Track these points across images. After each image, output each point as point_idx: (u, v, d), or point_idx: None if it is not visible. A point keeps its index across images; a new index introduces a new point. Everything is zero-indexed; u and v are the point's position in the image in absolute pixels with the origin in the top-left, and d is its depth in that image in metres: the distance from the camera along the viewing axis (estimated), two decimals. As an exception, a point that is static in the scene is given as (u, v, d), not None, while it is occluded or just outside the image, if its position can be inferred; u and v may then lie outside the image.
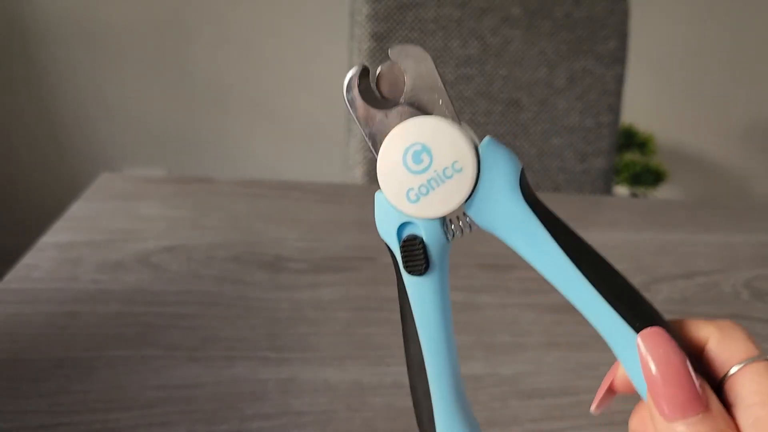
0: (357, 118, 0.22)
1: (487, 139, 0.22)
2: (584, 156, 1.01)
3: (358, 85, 0.22)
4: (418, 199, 0.22)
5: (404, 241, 0.22)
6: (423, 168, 0.21)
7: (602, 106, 1.00)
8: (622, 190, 1.70)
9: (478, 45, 0.95)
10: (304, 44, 1.55)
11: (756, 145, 1.89)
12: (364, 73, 0.22)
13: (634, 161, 1.62)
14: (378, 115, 0.22)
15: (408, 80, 0.22)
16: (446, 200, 0.21)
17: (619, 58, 0.99)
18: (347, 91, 0.22)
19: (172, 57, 1.55)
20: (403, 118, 0.22)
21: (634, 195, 1.64)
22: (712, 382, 0.21)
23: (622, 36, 0.98)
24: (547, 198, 0.24)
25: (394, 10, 0.91)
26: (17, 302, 0.48)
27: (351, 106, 0.22)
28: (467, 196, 0.21)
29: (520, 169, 0.22)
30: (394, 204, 0.22)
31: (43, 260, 0.54)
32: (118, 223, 0.62)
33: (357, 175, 0.95)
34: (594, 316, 0.22)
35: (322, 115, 1.60)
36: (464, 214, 0.22)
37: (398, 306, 0.24)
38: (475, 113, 0.97)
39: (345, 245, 0.62)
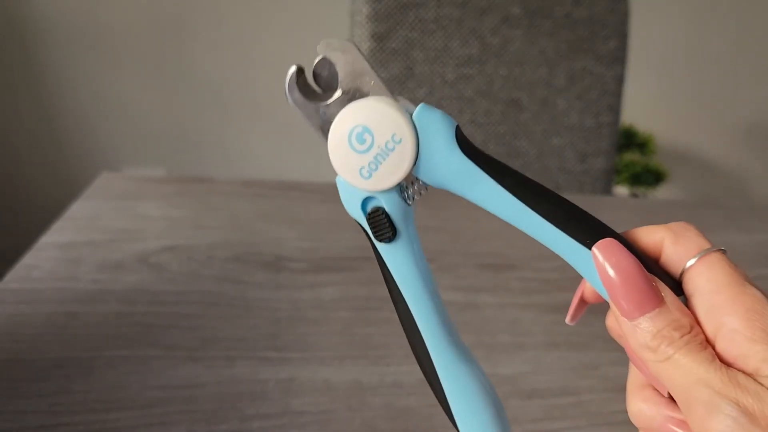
0: (303, 115, 0.24)
1: (420, 106, 0.24)
2: (584, 156, 1.01)
3: (298, 85, 0.24)
4: (370, 175, 0.24)
5: (369, 214, 0.24)
6: (367, 147, 0.23)
7: (602, 106, 1.00)
8: (622, 190, 1.70)
9: (478, 45, 0.95)
10: (304, 44, 1.55)
11: (756, 145, 1.89)
12: (300, 72, 0.24)
13: (634, 161, 1.62)
14: (320, 108, 0.24)
15: (340, 70, 0.24)
16: (395, 170, 0.24)
17: (619, 58, 0.99)
18: (289, 93, 0.24)
19: (171, 57, 1.55)
20: (342, 105, 0.24)
21: (634, 195, 1.64)
22: (672, 279, 0.22)
23: (622, 36, 0.98)
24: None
25: (394, 10, 0.91)
26: (17, 302, 0.48)
27: (296, 106, 0.24)
28: (412, 162, 0.23)
29: (455, 127, 0.24)
30: (352, 184, 0.24)
31: (43, 260, 0.54)
32: (118, 222, 0.62)
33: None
34: (551, 243, 0.24)
35: (322, 115, 1.60)
36: (416, 178, 0.24)
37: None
38: (475, 113, 0.97)
39: (345, 245, 0.62)
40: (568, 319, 0.26)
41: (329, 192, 0.75)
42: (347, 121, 0.23)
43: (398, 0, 0.91)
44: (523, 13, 0.95)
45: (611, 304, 0.22)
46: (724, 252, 0.22)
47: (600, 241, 0.22)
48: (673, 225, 0.23)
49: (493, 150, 0.99)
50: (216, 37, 1.55)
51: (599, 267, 0.22)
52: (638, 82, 1.32)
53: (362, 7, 0.91)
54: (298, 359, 0.45)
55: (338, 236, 0.64)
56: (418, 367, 0.26)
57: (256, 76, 1.59)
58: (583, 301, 0.26)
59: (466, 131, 0.96)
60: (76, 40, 1.49)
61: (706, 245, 0.22)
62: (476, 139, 0.98)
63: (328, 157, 0.24)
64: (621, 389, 0.45)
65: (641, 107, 1.60)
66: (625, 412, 0.44)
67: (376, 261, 0.25)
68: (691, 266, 0.22)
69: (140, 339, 0.46)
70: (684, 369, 0.20)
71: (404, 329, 0.26)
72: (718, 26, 1.72)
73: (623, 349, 0.24)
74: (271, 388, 0.42)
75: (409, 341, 0.26)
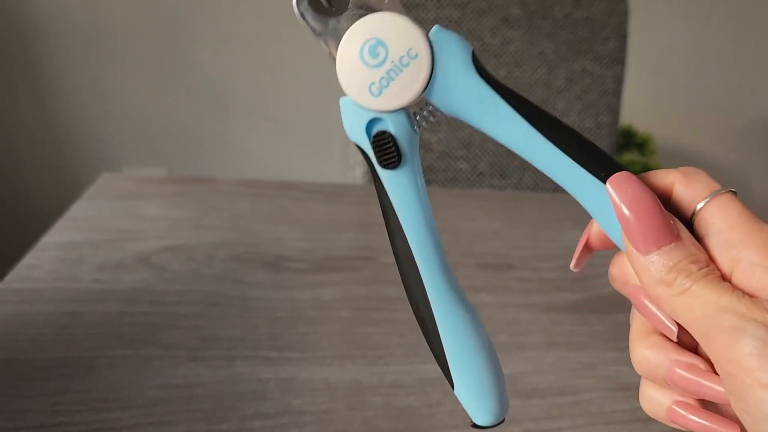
0: (311, 28, 0.23)
1: (435, 27, 0.22)
2: (584, 156, 1.01)
3: None
4: (380, 92, 0.22)
5: (374, 137, 0.23)
6: (380, 61, 0.22)
7: (601, 107, 1.00)
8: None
9: (478, 45, 0.95)
10: (304, 44, 1.55)
11: (755, 145, 1.89)
12: None
13: (633, 161, 1.63)
14: (330, 22, 0.23)
15: None
16: (408, 88, 0.22)
17: (618, 59, 0.99)
18: (297, 4, 0.23)
19: (172, 56, 1.55)
20: (354, 20, 0.22)
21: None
22: (683, 220, 0.22)
23: (621, 36, 0.98)
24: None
25: (394, 11, 0.91)
26: (18, 302, 0.49)
27: (303, 18, 0.23)
28: (426, 80, 0.22)
29: (471, 50, 0.23)
30: (358, 102, 0.23)
31: (43, 260, 0.54)
32: (119, 222, 0.62)
33: (357, 174, 0.95)
34: (562, 176, 0.23)
35: (322, 115, 1.60)
36: (426, 103, 0.23)
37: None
38: (474, 113, 0.97)
39: (345, 245, 0.62)
40: (572, 265, 0.25)
41: (329, 192, 0.75)
42: (361, 32, 0.22)
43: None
44: (522, 13, 0.95)
45: (624, 239, 0.21)
46: (735, 193, 0.22)
47: (615, 173, 0.21)
48: (684, 168, 0.23)
49: (492, 150, 0.99)
50: (217, 37, 1.55)
51: (614, 201, 0.21)
52: (637, 82, 1.32)
53: (362, 7, 0.91)
54: (298, 359, 0.45)
55: (338, 236, 0.64)
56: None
57: (257, 76, 1.59)
58: (588, 246, 0.25)
59: (466, 131, 0.97)
60: (77, 39, 1.49)
61: (717, 187, 0.22)
62: (476, 138, 0.98)
63: (336, 76, 0.23)
64: (620, 388, 0.46)
65: (640, 107, 1.60)
66: (625, 411, 0.44)
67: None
68: (704, 206, 0.21)
69: (141, 339, 0.46)
70: (703, 298, 0.20)
71: (399, 264, 0.25)
72: (718, 27, 1.72)
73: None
74: (271, 387, 0.42)
75: (402, 277, 0.25)
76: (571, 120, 1.00)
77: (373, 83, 0.22)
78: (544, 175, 0.23)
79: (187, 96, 1.59)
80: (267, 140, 1.67)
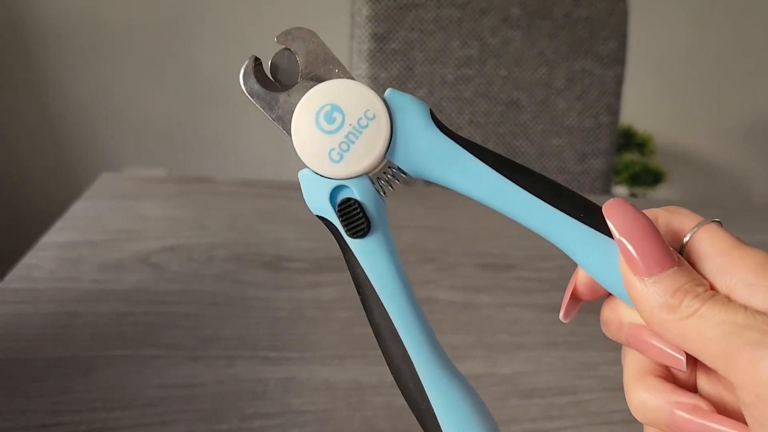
0: (261, 106, 0.22)
1: (389, 90, 0.22)
2: (583, 156, 1.01)
3: (255, 75, 0.22)
4: (341, 157, 0.22)
5: (340, 205, 0.22)
6: (338, 126, 0.22)
7: (601, 107, 1.00)
8: (621, 190, 1.70)
9: (478, 45, 0.95)
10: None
11: (755, 145, 1.89)
12: (257, 63, 0.22)
13: (633, 161, 1.63)
14: (281, 97, 0.22)
15: (301, 60, 0.22)
16: (370, 149, 0.22)
17: (618, 59, 0.99)
18: (244, 83, 0.22)
19: (172, 56, 1.55)
20: (306, 91, 0.22)
21: (633, 195, 1.64)
22: None
23: (621, 36, 0.98)
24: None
25: (394, 11, 0.91)
26: (18, 302, 0.49)
27: (252, 96, 0.22)
28: (387, 140, 0.22)
29: (429, 108, 0.22)
30: (319, 171, 0.22)
31: (43, 260, 0.54)
32: (119, 222, 0.62)
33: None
34: (541, 223, 0.22)
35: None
36: (389, 167, 0.23)
37: None
38: (475, 113, 0.97)
39: (345, 245, 0.62)
40: (561, 316, 0.25)
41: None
42: (315, 100, 0.22)
43: (398, 1, 0.91)
44: (522, 13, 0.95)
45: (621, 265, 0.21)
46: (720, 223, 0.22)
47: (609, 200, 0.21)
48: (665, 207, 0.23)
49: (492, 149, 0.99)
50: (216, 37, 1.55)
51: (613, 223, 0.21)
52: (637, 82, 1.32)
53: (362, 7, 0.91)
54: (298, 359, 0.45)
55: (338, 236, 0.64)
56: None
57: (256, 76, 1.59)
58: (576, 296, 0.24)
59: (466, 132, 0.97)
60: (76, 39, 1.49)
61: (701, 218, 0.22)
62: (476, 139, 0.98)
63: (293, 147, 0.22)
64: (620, 388, 0.45)
65: (640, 107, 1.60)
66: (624, 411, 0.44)
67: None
68: (691, 237, 0.21)
69: (140, 338, 0.46)
70: (716, 318, 0.19)
71: (381, 342, 0.23)
72: (718, 26, 1.72)
73: (622, 348, 0.24)
74: (271, 387, 0.42)
75: (386, 355, 0.23)
76: (570, 120, 1.00)
77: (332, 149, 0.22)
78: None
79: (188, 96, 1.59)
80: (267, 140, 1.67)
